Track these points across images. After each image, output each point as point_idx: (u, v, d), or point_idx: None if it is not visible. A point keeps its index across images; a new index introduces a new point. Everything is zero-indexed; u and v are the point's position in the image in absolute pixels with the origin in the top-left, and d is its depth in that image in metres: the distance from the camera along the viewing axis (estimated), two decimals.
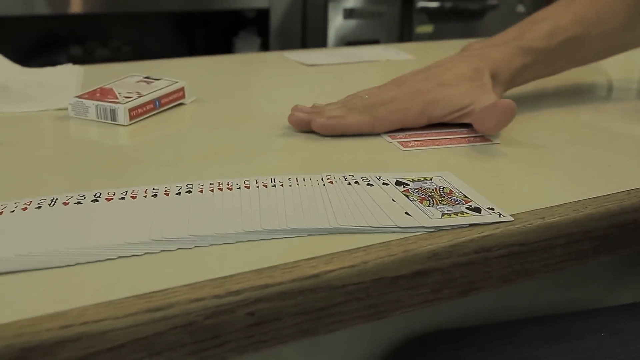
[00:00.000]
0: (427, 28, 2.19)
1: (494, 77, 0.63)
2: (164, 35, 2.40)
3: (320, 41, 2.06)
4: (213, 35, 2.38)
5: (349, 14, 2.04)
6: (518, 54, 0.64)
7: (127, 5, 1.90)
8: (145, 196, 0.44)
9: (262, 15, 2.11)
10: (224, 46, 2.31)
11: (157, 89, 0.64)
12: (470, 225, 0.41)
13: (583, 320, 0.57)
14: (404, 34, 2.18)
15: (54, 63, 2.08)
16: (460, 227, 0.41)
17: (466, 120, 0.60)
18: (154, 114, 0.63)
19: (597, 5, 0.68)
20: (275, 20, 2.08)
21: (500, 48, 0.65)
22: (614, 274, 0.66)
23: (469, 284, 0.41)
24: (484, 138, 0.58)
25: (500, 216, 0.43)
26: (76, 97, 0.62)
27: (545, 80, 0.84)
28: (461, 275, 0.40)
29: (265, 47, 2.17)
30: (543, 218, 0.43)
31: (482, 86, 0.61)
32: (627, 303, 0.59)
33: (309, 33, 2.10)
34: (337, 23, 2.05)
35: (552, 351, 0.53)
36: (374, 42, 2.09)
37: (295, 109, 0.61)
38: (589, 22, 0.67)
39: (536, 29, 0.66)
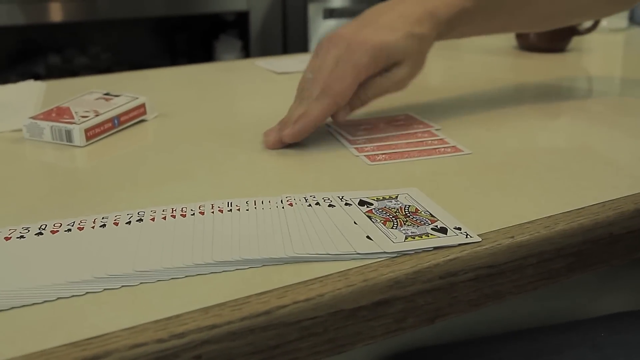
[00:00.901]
0: None
1: (431, 18, 0.59)
2: (144, 41, 2.37)
3: (301, 42, 2.04)
4: (194, 39, 2.35)
5: (329, 13, 2.02)
6: None
7: (106, 12, 1.87)
8: (93, 227, 0.42)
9: (242, 18, 2.08)
10: (205, 50, 2.28)
11: (115, 106, 0.62)
12: (435, 248, 0.39)
13: (563, 334, 0.55)
14: None
15: (32, 73, 2.04)
16: (424, 250, 0.39)
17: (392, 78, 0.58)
18: (113, 133, 0.61)
19: None
20: (255, 22, 2.06)
21: None
22: (595, 283, 0.64)
23: (435, 311, 0.39)
24: (455, 148, 0.56)
25: (467, 237, 0.40)
26: (31, 118, 0.59)
27: (525, 79, 0.82)
28: (426, 303, 0.38)
29: (246, 49, 2.14)
30: (512, 237, 0.41)
31: (420, 38, 0.58)
32: (608, 314, 0.56)
33: (289, 34, 2.08)
34: (317, 23, 2.02)
35: None
36: None
37: (265, 134, 0.59)
38: None
39: None
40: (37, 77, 2.02)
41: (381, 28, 0.58)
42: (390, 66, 0.58)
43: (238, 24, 2.18)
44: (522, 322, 0.60)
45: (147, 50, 2.36)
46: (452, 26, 0.61)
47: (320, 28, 2.02)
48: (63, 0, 1.79)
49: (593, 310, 0.64)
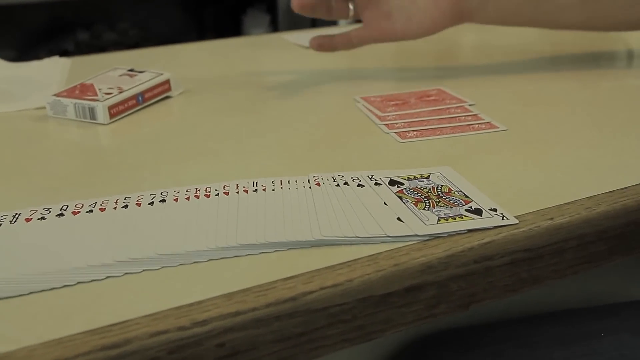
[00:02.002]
0: None
1: None
2: (172, 16, 2.36)
3: None
4: (222, 14, 2.33)
5: None
6: None
7: None
8: (115, 207, 0.41)
9: None
10: (233, 25, 2.26)
11: (140, 82, 0.60)
12: (469, 231, 0.37)
13: (601, 319, 0.52)
14: None
15: (60, 49, 2.05)
16: (458, 233, 0.37)
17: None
18: (137, 110, 0.60)
19: None
20: None
21: None
22: (636, 265, 0.62)
23: (469, 297, 0.37)
24: (490, 124, 0.54)
25: (503, 219, 0.38)
26: (54, 95, 0.58)
27: (562, 49, 0.79)
28: (460, 288, 0.36)
29: (274, 24, 2.12)
30: (552, 219, 0.39)
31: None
32: None
33: None
34: None
35: (568, 354, 0.49)
36: None
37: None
38: None
39: None
40: (65, 53, 2.03)
41: None
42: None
43: None
44: (558, 303, 0.58)
45: (175, 26, 2.35)
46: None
47: None
48: None
49: (634, 294, 0.61)
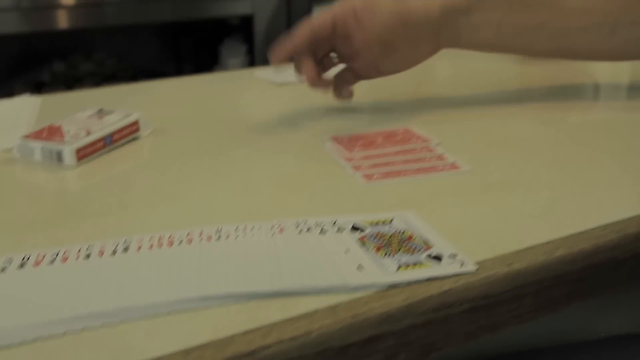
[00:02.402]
0: None
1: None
2: (149, 46, 2.37)
3: None
4: (199, 43, 2.34)
5: None
6: None
7: (112, 18, 1.86)
8: (78, 257, 0.41)
9: (247, 22, 2.07)
10: (210, 54, 2.27)
11: (108, 124, 0.61)
12: (428, 279, 0.38)
13: (570, 358, 0.53)
14: None
15: (36, 80, 2.04)
16: (417, 281, 0.37)
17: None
18: (105, 152, 0.60)
19: None
20: (260, 26, 2.04)
21: None
22: (596, 305, 0.63)
23: (429, 345, 0.37)
24: (454, 165, 0.55)
25: (462, 265, 0.39)
26: (22, 137, 0.58)
27: (530, 86, 0.80)
28: (419, 337, 0.37)
29: (251, 53, 2.13)
30: (510, 264, 0.39)
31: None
32: (608, 336, 0.55)
33: None
34: None
35: None
36: None
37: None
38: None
39: None
40: (41, 84, 2.02)
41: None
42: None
43: (243, 28, 2.17)
44: (525, 342, 0.59)
45: (152, 55, 2.36)
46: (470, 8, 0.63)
47: None
48: (68, 7, 1.79)
49: (602, 329, 0.62)
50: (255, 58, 2.09)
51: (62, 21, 1.81)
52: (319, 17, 0.64)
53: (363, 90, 0.72)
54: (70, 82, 2.06)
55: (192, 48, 2.38)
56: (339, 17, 0.63)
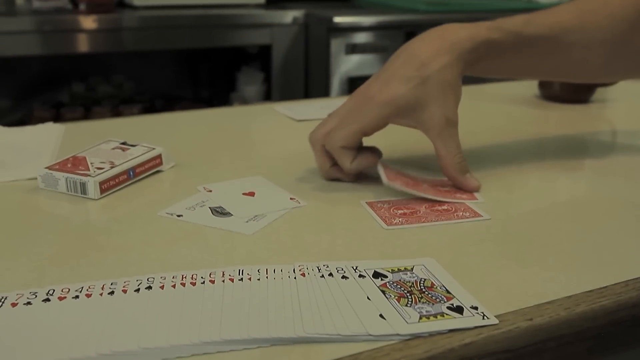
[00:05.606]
0: None
1: (453, 48, 0.59)
2: (167, 71, 2.39)
3: (323, 76, 2.04)
4: (216, 70, 2.37)
5: (352, 49, 2.02)
6: (484, 28, 0.61)
7: (130, 44, 1.89)
8: (102, 294, 0.41)
9: (265, 50, 2.09)
10: (227, 81, 2.29)
11: (132, 157, 0.61)
12: (450, 331, 0.38)
13: None
14: None
15: (55, 101, 2.06)
16: (439, 333, 0.38)
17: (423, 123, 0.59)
18: (127, 185, 0.60)
19: (581, 14, 0.65)
20: (277, 56, 2.06)
21: (466, 24, 0.62)
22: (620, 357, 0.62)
23: None
24: (474, 212, 0.55)
25: (484, 318, 0.39)
26: (46, 168, 0.59)
27: (547, 131, 0.80)
28: None
29: (268, 82, 2.15)
30: (531, 319, 0.39)
31: (439, 72, 0.58)
32: None
33: (311, 68, 2.08)
34: (340, 58, 2.02)
35: None
36: None
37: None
38: (568, 26, 0.64)
39: (511, 18, 0.63)
40: (60, 105, 2.04)
41: (393, 79, 0.59)
42: (417, 112, 0.59)
43: (260, 56, 2.19)
44: None
45: (170, 80, 2.38)
46: (479, 55, 0.61)
47: (343, 63, 2.02)
48: (89, 32, 1.81)
49: None
50: (272, 87, 2.11)
51: (83, 45, 1.83)
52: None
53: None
54: (89, 103, 2.08)
55: (209, 73, 2.40)
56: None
